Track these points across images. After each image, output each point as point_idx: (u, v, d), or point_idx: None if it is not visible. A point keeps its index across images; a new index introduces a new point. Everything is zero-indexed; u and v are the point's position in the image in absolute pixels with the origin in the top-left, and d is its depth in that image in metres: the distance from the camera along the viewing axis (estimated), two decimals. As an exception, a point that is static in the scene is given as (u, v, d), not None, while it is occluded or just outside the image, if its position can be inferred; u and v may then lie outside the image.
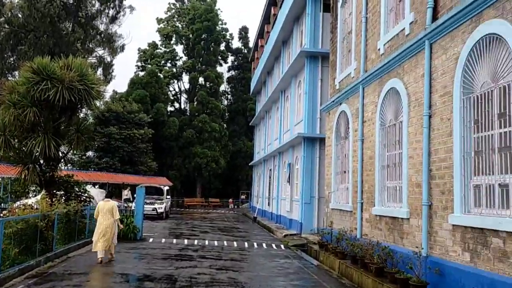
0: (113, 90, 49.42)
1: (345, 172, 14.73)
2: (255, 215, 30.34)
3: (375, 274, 10.02)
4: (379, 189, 11.46)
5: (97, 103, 17.98)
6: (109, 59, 38.23)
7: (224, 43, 57.42)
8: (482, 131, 7.58)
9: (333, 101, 15.69)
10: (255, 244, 16.53)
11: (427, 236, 8.86)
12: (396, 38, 11.00)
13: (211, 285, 9.19)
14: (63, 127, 14.79)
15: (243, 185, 56.94)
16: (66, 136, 14.91)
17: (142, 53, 55.26)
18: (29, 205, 13.35)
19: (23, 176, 13.88)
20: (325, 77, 20.12)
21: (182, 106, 59.20)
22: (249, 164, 46.65)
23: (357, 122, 13.40)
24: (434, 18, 9.13)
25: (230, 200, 41.97)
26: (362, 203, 12.63)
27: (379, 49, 12.05)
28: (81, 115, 18.69)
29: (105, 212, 11.81)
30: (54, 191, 14.40)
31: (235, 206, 46.28)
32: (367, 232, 12.13)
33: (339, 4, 15.96)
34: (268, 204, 30.45)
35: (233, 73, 59.60)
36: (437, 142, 8.74)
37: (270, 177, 30.70)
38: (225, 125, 52.13)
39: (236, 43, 59.82)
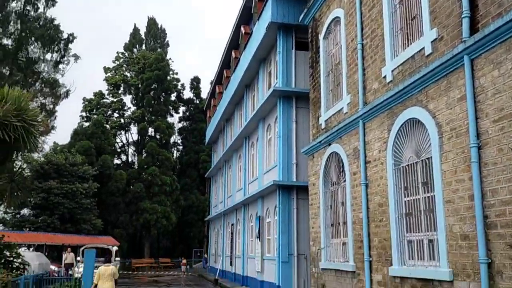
0: (54, 142, 45.33)
1: (339, 224, 12.55)
2: (216, 277, 27.14)
3: None
4: (398, 243, 9.32)
5: (39, 145, 14.94)
6: (51, 107, 34.81)
7: (175, 93, 55.44)
8: None
9: (320, 142, 13.73)
10: (231, 315, 13.68)
11: (491, 305, 6.72)
12: (411, 60, 9.32)
13: None
14: (-9, 176, 11.76)
15: (194, 243, 53.23)
16: (-5, 186, 11.84)
17: (87, 102, 51.90)
18: None
19: None
20: (300, 118, 18.33)
21: (130, 159, 55.72)
22: (205, 219, 43.50)
23: (356, 164, 11.42)
24: (474, 29, 7.49)
25: (183, 261, 38.27)
26: (370, 262, 10.39)
27: (384, 77, 10.34)
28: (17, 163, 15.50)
29: (106, 276, 12.28)
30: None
31: (188, 267, 42.40)
32: (381, 298, 9.83)
33: (321, 36, 14.43)
34: (231, 264, 27.43)
35: (185, 124, 57.29)
36: (495, 180, 6.82)
37: (232, 233, 27.91)
38: (176, 178, 48.99)
39: (187, 93, 57.95)
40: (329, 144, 13.19)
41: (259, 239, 20.36)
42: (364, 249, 10.59)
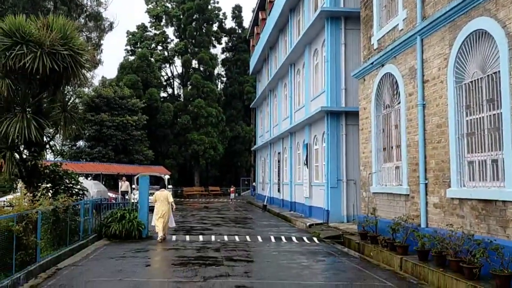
0: (102, 76, 46.30)
1: (392, 147, 12.15)
2: (264, 203, 27.80)
3: (469, 277, 7.49)
4: (457, 165, 8.89)
5: (87, 75, 15.11)
6: (97, 40, 35.05)
7: (217, 23, 54.32)
8: None
9: (372, 63, 13.04)
10: (282, 237, 13.95)
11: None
12: (480, -36, 8.34)
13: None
14: (45, 105, 12.03)
15: (242, 171, 54.48)
16: (51, 116, 12.13)
17: (131, 36, 52.01)
18: (8, 202, 10.64)
19: (-2, 167, 11.10)
20: (349, 41, 17.45)
21: (176, 92, 56.34)
22: (252, 149, 44.05)
23: (413, 84, 10.78)
24: None
25: (232, 188, 39.29)
26: (426, 184, 10.07)
27: (447, -14, 9.39)
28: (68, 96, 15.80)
29: (162, 199, 13.67)
30: (38, 183, 11.69)
31: (237, 194, 43.70)
32: (437, 221, 9.59)
33: None
34: (278, 191, 27.91)
35: (228, 54, 56.58)
36: None
37: (279, 161, 28.12)
38: (221, 109, 49.28)
39: (229, 23, 56.78)
40: (382, 65, 12.49)
41: (307, 166, 20.37)
42: (419, 172, 10.25)
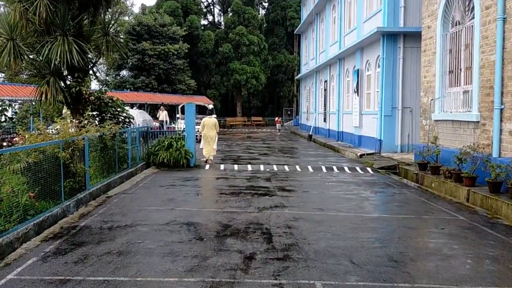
0: (142, 4, 45.15)
1: (461, 70, 10.93)
2: (310, 133, 27.13)
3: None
4: (545, 86, 7.75)
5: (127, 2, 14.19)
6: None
7: None
8: None
9: (440, -26, 11.48)
10: (334, 168, 13.34)
11: None
12: None
13: (334, 249, 5.98)
14: (86, 28, 11.41)
15: (284, 102, 53.54)
16: (92, 39, 11.55)
17: (168, -41, 49.78)
18: (57, 129, 10.41)
19: (43, 94, 10.76)
20: (410, -49, 15.58)
21: (216, 19, 54.71)
22: (295, 78, 42.79)
23: (492, -5, 9.36)
24: None
25: (277, 118, 38.67)
26: (501, 110, 8.98)
27: None
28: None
29: (210, 126, 14.33)
30: (84, 111, 11.36)
31: (280, 125, 43.13)
32: (512, 149, 8.62)
33: None
34: (324, 121, 27.03)
35: (269, -24, 53.59)
36: None
37: (325, 90, 26.97)
38: (263, 37, 47.45)
39: None
40: (453, -25, 10.95)
41: (357, 94, 19.27)
42: (494, 96, 9.13)
